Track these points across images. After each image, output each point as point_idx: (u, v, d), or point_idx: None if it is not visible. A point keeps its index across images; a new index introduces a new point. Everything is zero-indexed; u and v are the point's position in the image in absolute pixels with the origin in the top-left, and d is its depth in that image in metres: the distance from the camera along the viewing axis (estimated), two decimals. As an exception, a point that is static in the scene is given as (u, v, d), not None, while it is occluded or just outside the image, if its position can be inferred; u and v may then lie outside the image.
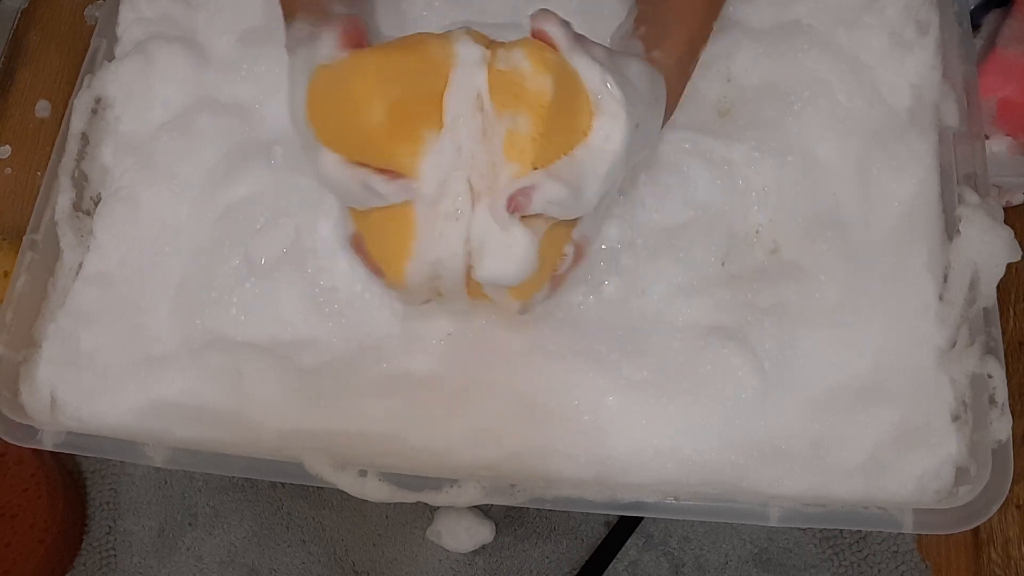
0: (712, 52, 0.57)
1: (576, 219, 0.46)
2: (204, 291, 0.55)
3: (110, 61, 0.61)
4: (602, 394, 0.51)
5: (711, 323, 0.52)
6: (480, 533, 0.57)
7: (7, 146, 0.71)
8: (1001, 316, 0.50)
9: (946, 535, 0.57)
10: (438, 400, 0.52)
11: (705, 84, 0.57)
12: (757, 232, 0.55)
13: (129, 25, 0.61)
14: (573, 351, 0.52)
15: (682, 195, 0.55)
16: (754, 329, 0.52)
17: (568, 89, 0.43)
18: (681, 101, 0.55)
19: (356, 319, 0.54)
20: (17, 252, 0.55)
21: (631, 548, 0.58)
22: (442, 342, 0.53)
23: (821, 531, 0.57)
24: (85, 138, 0.58)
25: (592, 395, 0.51)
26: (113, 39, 0.61)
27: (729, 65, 0.57)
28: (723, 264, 0.54)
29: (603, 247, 0.53)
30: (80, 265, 0.57)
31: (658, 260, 0.54)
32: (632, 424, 0.50)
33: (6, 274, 0.61)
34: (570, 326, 0.52)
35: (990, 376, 0.49)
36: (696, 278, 0.53)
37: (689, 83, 0.56)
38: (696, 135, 0.56)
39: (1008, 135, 0.60)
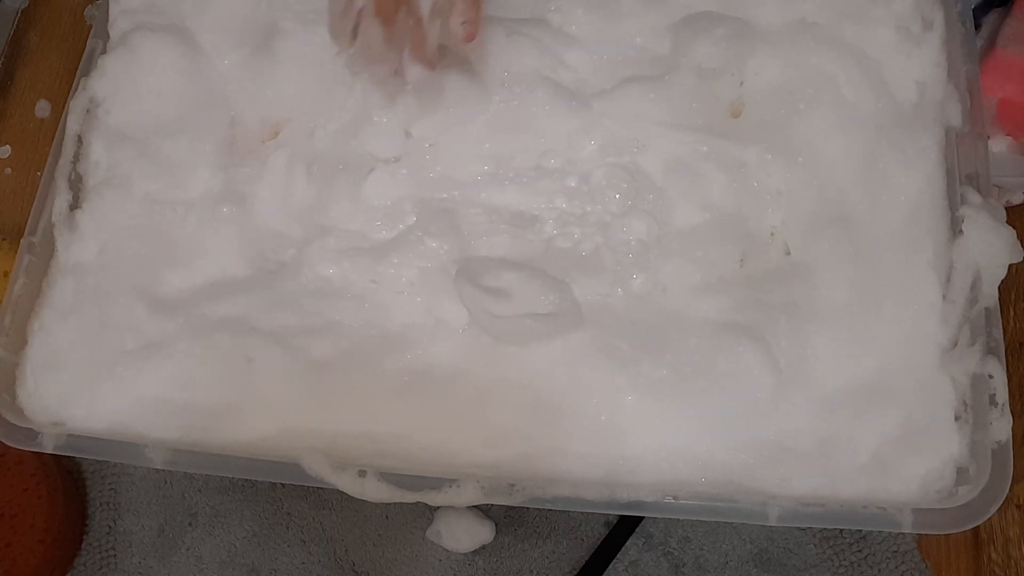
0: (725, 57, 0.57)
1: None
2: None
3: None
4: (621, 393, 0.51)
5: (729, 322, 0.52)
6: (480, 533, 0.57)
7: (7, 146, 0.71)
8: (1001, 316, 0.50)
9: (946, 535, 0.57)
10: (457, 400, 0.51)
11: (719, 88, 0.57)
12: (772, 234, 0.55)
13: (116, 18, 0.60)
14: (596, 347, 0.51)
15: (700, 196, 0.55)
16: (769, 329, 0.51)
17: None
18: (696, 104, 0.55)
19: (363, 317, 0.54)
20: (17, 252, 0.55)
21: (631, 548, 0.58)
22: (462, 331, 0.52)
23: (821, 531, 0.57)
24: (81, 140, 0.58)
25: (611, 394, 0.51)
26: (107, 38, 0.61)
27: (743, 69, 0.57)
28: (741, 264, 0.54)
29: (632, 240, 0.54)
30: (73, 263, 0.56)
31: (679, 258, 0.54)
32: (648, 424, 0.50)
33: (6, 274, 0.61)
34: (594, 320, 0.52)
35: (991, 376, 0.49)
36: (714, 277, 0.53)
37: (704, 87, 0.57)
38: (712, 138, 0.56)
39: (1008, 135, 0.60)
